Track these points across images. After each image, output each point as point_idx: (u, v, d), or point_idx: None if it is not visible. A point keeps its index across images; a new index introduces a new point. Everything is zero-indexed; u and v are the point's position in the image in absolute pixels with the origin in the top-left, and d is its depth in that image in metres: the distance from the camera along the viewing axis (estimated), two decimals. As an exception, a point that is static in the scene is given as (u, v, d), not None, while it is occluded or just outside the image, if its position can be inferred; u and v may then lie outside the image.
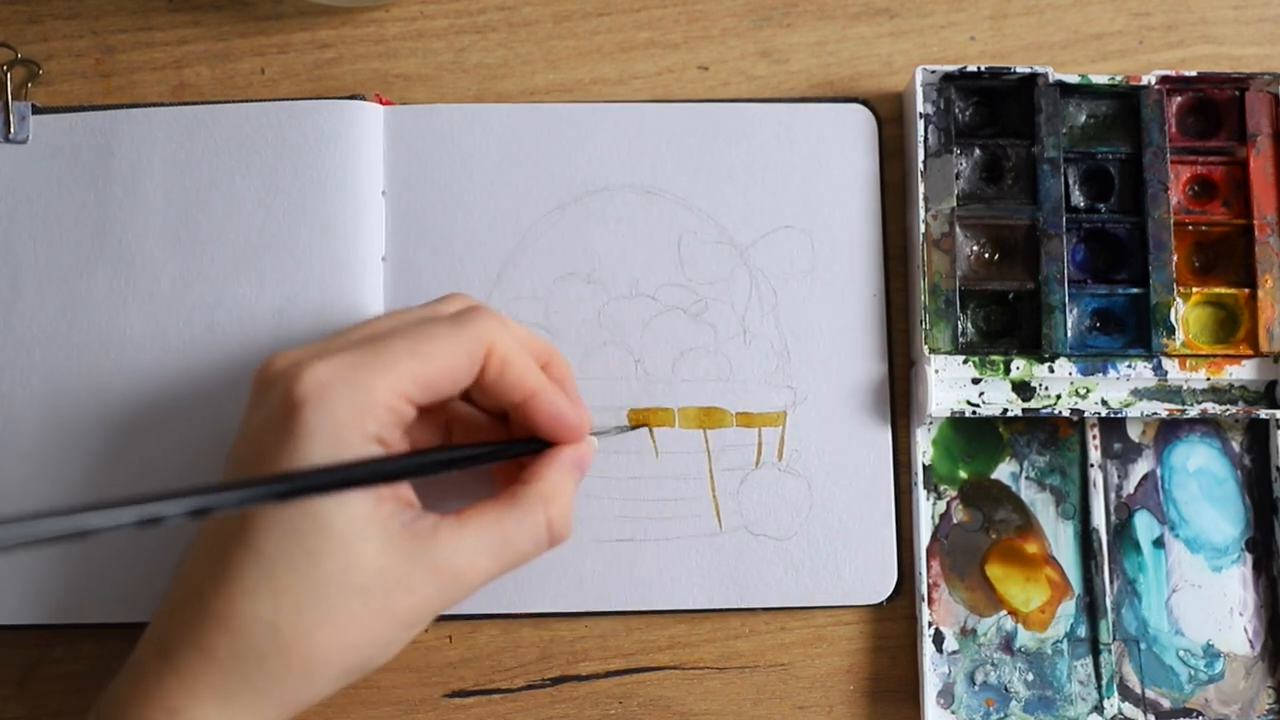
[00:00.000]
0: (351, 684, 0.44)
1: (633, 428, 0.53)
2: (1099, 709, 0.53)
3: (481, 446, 0.47)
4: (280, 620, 0.41)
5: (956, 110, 0.55)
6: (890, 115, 0.56)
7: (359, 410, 0.42)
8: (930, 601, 0.53)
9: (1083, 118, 0.55)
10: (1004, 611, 0.54)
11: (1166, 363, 0.54)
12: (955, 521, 0.54)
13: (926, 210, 0.54)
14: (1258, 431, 0.55)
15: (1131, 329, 0.54)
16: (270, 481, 0.38)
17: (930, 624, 0.53)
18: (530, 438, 0.47)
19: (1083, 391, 0.54)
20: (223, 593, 0.41)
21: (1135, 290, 0.54)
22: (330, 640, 0.41)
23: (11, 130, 0.53)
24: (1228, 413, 0.53)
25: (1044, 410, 0.53)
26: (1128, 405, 0.54)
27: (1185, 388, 0.54)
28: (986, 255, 0.55)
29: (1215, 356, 0.54)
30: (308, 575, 0.41)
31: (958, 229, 0.54)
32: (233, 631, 0.41)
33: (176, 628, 0.42)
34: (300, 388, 0.42)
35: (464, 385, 0.45)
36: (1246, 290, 0.54)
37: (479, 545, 0.44)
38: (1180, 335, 0.54)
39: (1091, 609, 0.54)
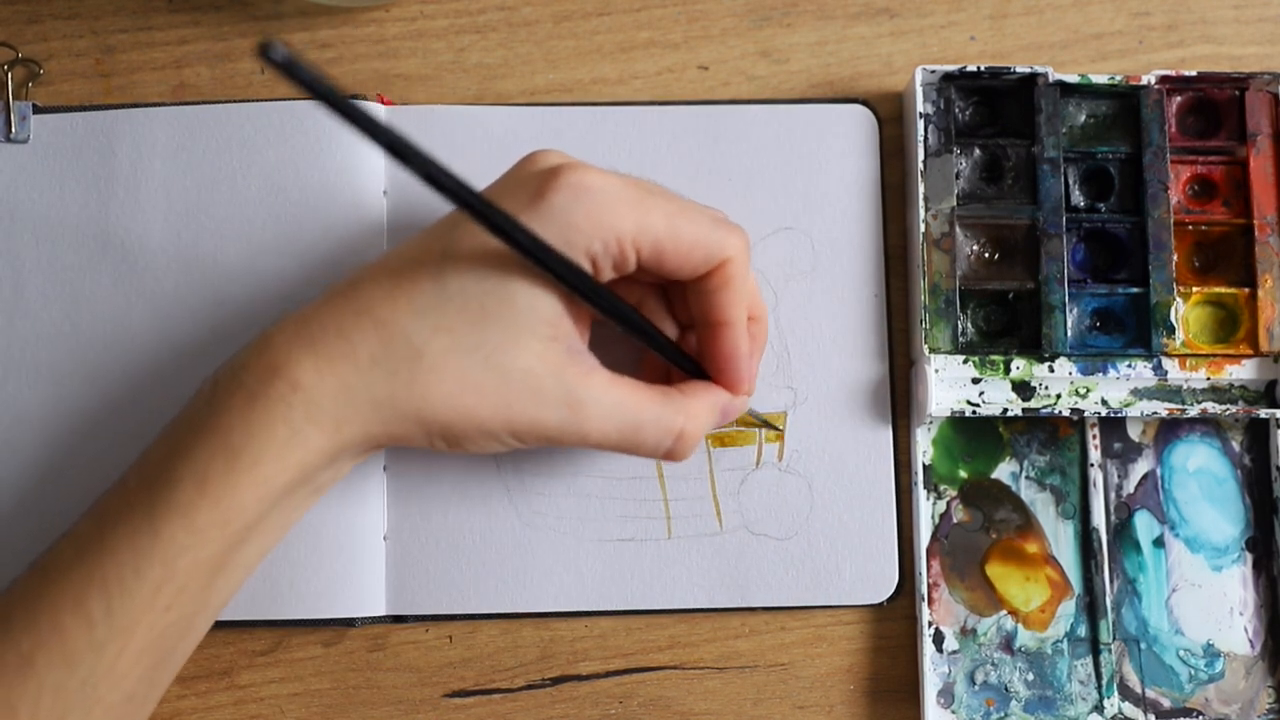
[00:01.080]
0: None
1: (771, 426, 0.54)
2: (1099, 709, 0.53)
3: (664, 337, 0.48)
4: (427, 350, 0.43)
5: (956, 110, 0.55)
6: (890, 115, 0.56)
7: (597, 226, 0.43)
8: (930, 601, 0.53)
9: (1083, 118, 0.55)
10: (1004, 611, 0.54)
11: (1166, 362, 0.54)
12: (955, 521, 0.54)
13: (926, 210, 0.54)
14: (1258, 431, 0.55)
15: (1131, 329, 0.54)
16: (501, 213, 0.40)
17: (930, 624, 0.53)
18: (697, 366, 0.49)
19: (1083, 391, 0.54)
20: (390, 300, 0.43)
21: (1135, 290, 0.54)
22: (451, 393, 0.43)
23: (12, 130, 0.53)
24: (1228, 412, 0.53)
25: (1044, 410, 0.53)
26: (1128, 405, 0.54)
27: (1185, 387, 0.54)
28: (986, 255, 0.55)
29: (1215, 356, 0.54)
30: (471, 329, 0.43)
31: (958, 229, 0.54)
32: (383, 336, 0.43)
33: (329, 315, 0.44)
34: (566, 177, 0.43)
35: (685, 276, 0.46)
36: (1246, 290, 0.54)
37: (616, 409, 0.45)
38: (1180, 335, 0.54)
39: (1091, 609, 0.54)
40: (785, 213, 0.55)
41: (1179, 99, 0.56)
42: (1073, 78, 0.54)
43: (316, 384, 0.42)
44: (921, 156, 0.54)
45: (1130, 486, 0.55)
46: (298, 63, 0.33)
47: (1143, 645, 0.54)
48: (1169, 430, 0.55)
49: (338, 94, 0.35)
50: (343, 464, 0.46)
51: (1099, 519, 0.54)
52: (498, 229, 0.40)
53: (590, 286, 0.43)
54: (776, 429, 0.54)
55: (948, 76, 0.54)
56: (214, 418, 0.42)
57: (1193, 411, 0.53)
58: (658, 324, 0.49)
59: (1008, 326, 0.54)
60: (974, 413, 0.53)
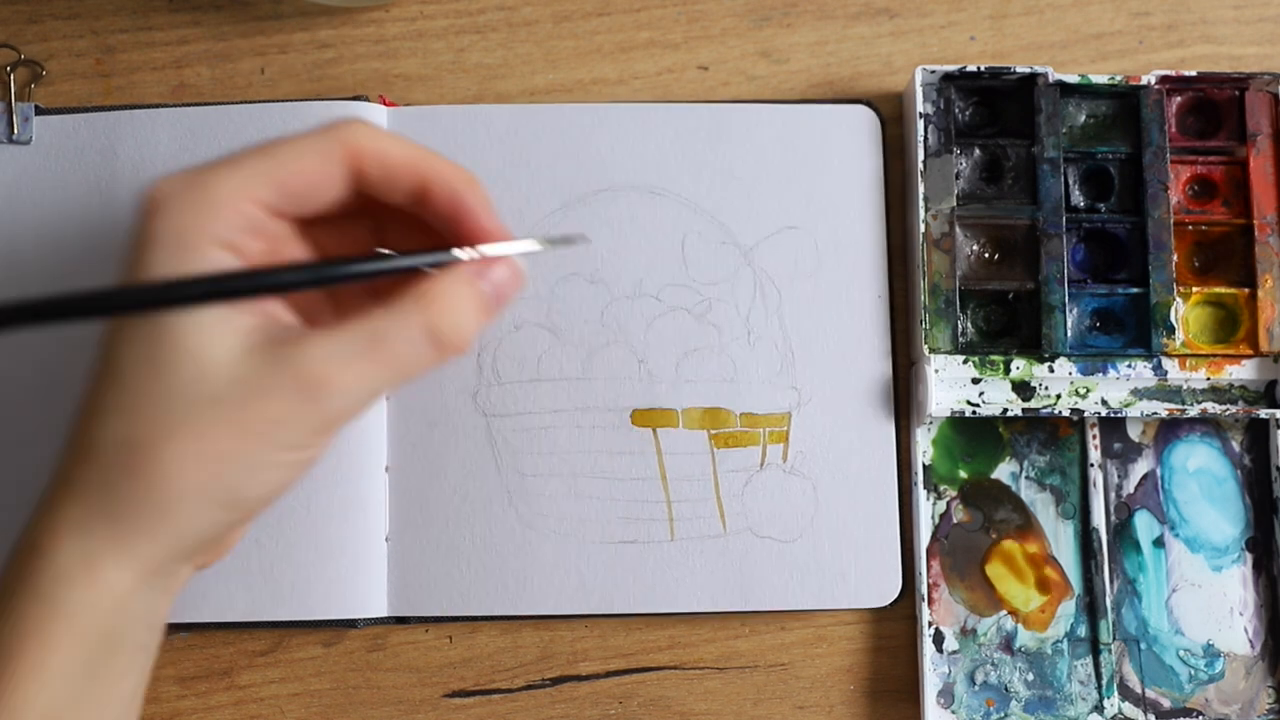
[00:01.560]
0: (234, 520, 0.41)
1: (557, 243, 0.46)
2: (1099, 709, 0.53)
3: (365, 259, 0.42)
4: (132, 437, 0.38)
5: (956, 110, 0.55)
6: (890, 115, 0.56)
7: (203, 213, 0.39)
8: (930, 601, 0.53)
9: (1083, 118, 0.55)
10: (1004, 611, 0.54)
11: (1166, 362, 0.54)
12: (955, 521, 0.54)
13: (926, 210, 0.54)
14: (1258, 431, 0.55)
15: (1131, 329, 0.54)
16: (96, 293, 0.37)
17: (930, 624, 0.53)
18: (435, 250, 0.42)
19: (1083, 391, 0.54)
20: (84, 419, 0.39)
21: (1135, 290, 0.54)
22: (181, 456, 0.38)
23: (15, 131, 0.53)
24: (1228, 412, 0.53)
25: (1044, 410, 0.53)
26: (1128, 405, 0.54)
27: (1185, 387, 0.54)
28: (986, 255, 0.55)
29: (1215, 356, 0.54)
30: (158, 389, 0.38)
31: (958, 229, 0.54)
32: (88, 457, 0.39)
33: (54, 471, 0.40)
34: (150, 197, 0.39)
35: (333, 192, 0.41)
36: (1246, 290, 0.54)
37: (344, 346, 0.39)
38: (1180, 335, 0.54)
39: (1091, 609, 0.54)
40: (789, 213, 0.55)
41: (1179, 99, 0.56)
42: (1073, 78, 0.54)
43: (51, 542, 0.39)
44: (921, 156, 0.54)
45: (1130, 486, 0.55)
46: None
47: (1143, 645, 0.54)
48: (1169, 430, 0.55)
49: None
50: (148, 615, 0.41)
51: (1099, 519, 0.54)
52: (126, 308, 0.38)
53: (248, 284, 0.39)
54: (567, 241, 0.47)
55: (948, 76, 0.54)
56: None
57: (1193, 411, 0.53)
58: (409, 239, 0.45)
59: (1008, 326, 0.54)
60: (974, 413, 0.53)
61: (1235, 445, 0.55)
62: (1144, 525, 0.55)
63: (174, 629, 0.52)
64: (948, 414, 0.53)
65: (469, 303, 0.41)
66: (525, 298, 0.53)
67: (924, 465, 0.54)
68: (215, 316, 0.38)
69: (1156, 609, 0.54)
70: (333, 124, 0.41)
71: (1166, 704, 0.54)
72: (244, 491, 0.40)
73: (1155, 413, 0.53)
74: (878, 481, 0.54)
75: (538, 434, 0.53)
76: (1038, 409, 0.53)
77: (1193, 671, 0.54)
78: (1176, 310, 0.54)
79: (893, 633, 0.54)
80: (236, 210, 0.39)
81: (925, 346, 0.53)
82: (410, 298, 0.40)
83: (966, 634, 0.54)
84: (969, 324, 0.54)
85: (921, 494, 0.54)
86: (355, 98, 0.54)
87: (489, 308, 0.42)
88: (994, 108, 0.55)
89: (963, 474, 0.55)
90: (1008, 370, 0.53)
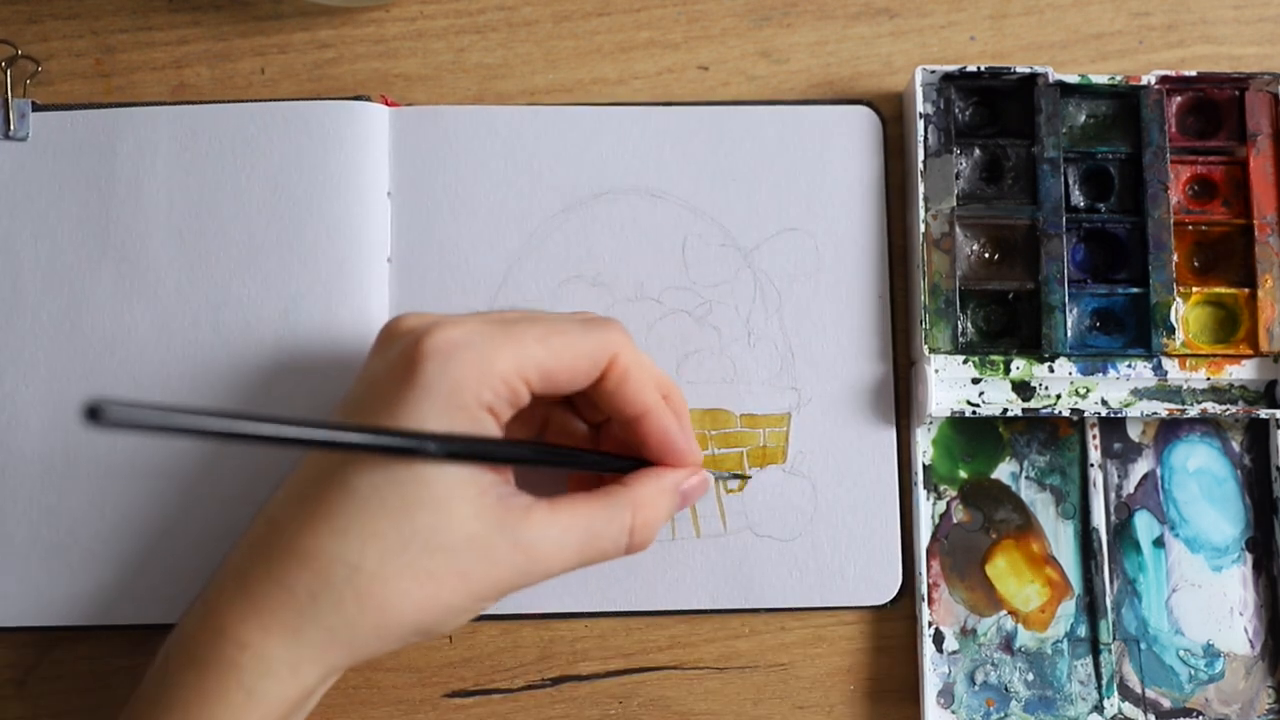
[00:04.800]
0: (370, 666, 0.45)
1: (740, 476, 0.54)
2: (1099, 709, 0.53)
3: (590, 453, 0.49)
4: (364, 564, 0.41)
5: (956, 110, 0.55)
6: (890, 115, 0.56)
7: (479, 377, 0.42)
8: (930, 601, 0.53)
9: (1083, 118, 0.55)
10: (1004, 611, 0.54)
11: (1166, 362, 0.54)
12: (955, 521, 0.54)
13: (926, 210, 0.54)
14: (1258, 431, 0.55)
15: (1131, 329, 0.54)
16: (384, 432, 0.40)
17: (930, 624, 0.53)
18: (634, 458, 0.48)
19: (1083, 391, 0.54)
20: (309, 529, 0.42)
21: (1135, 290, 0.54)
22: (407, 594, 0.42)
23: (11, 127, 0.53)
24: (1228, 412, 0.53)
25: (1044, 410, 0.53)
26: (1128, 405, 0.54)
27: (1185, 387, 0.54)
28: (986, 255, 0.55)
29: (1215, 356, 0.54)
30: (398, 524, 0.41)
31: (958, 229, 0.54)
32: (315, 569, 0.41)
33: (257, 562, 0.43)
34: (428, 342, 0.42)
35: (580, 385, 0.45)
36: (1246, 290, 0.54)
37: (566, 534, 0.44)
38: (1180, 335, 0.54)
39: (1091, 609, 0.54)
40: (790, 214, 0.55)
41: (1179, 99, 0.56)
42: (1073, 78, 0.54)
43: (262, 639, 0.41)
44: (921, 156, 0.54)
45: (1130, 486, 0.55)
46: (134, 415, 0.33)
47: (1143, 645, 0.54)
48: (1169, 430, 0.55)
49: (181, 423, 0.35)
50: (313, 699, 0.45)
51: (1099, 519, 0.54)
52: (404, 454, 0.41)
53: (503, 454, 0.44)
54: (743, 477, 0.54)
55: (948, 76, 0.54)
56: (169, 693, 0.42)
57: (1193, 411, 0.53)
58: (569, 430, 0.50)
59: (1008, 326, 0.54)
60: (974, 413, 0.53)
61: (1235, 445, 0.55)
62: (1144, 525, 0.55)
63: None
64: (948, 414, 0.53)
65: (666, 510, 0.47)
66: (527, 301, 0.54)
67: (924, 465, 0.54)
68: (463, 470, 0.42)
69: (1156, 609, 0.54)
70: (604, 327, 0.46)
71: (1166, 704, 0.54)
72: (440, 629, 0.44)
73: (1155, 413, 0.53)
74: (878, 481, 0.54)
75: (538, 434, 0.53)
76: (1038, 409, 0.53)
77: (1193, 671, 0.54)
78: (1176, 310, 0.54)
79: (893, 633, 0.54)
80: (507, 384, 0.43)
81: (925, 346, 0.53)
82: (623, 500, 0.46)
83: (966, 634, 0.54)
84: (969, 324, 0.54)
85: (921, 494, 0.54)
86: (356, 97, 0.54)
87: (675, 511, 0.49)
88: (994, 108, 0.55)
89: (963, 474, 0.55)
90: (1008, 370, 0.53)
